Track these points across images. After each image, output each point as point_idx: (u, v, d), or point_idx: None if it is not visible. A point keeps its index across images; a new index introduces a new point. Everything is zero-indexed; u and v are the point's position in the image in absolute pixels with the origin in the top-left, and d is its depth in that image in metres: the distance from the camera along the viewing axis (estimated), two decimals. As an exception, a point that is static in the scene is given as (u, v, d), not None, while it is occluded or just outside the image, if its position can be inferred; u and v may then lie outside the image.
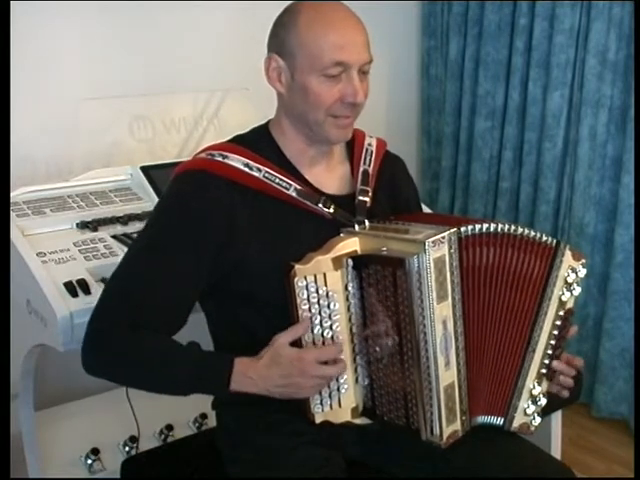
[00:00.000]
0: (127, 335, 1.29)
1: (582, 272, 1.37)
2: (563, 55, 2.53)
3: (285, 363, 1.27)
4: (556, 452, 2.04)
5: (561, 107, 2.58)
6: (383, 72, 3.01)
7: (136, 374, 1.33)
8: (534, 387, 1.38)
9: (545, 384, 1.39)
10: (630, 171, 2.40)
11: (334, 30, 1.31)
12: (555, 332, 1.37)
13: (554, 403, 1.43)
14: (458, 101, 2.96)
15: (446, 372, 1.28)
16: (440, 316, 1.26)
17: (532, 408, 1.39)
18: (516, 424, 1.39)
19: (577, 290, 1.37)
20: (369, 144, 1.51)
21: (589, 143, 2.52)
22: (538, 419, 1.40)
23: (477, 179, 2.92)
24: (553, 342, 1.37)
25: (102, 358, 1.32)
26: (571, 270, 1.36)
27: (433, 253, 1.24)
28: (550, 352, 1.38)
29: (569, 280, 1.36)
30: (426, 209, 2.00)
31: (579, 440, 2.48)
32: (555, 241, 1.35)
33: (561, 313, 1.37)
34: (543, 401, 1.39)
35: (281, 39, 1.35)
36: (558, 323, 1.37)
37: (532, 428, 1.40)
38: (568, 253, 1.35)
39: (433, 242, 1.24)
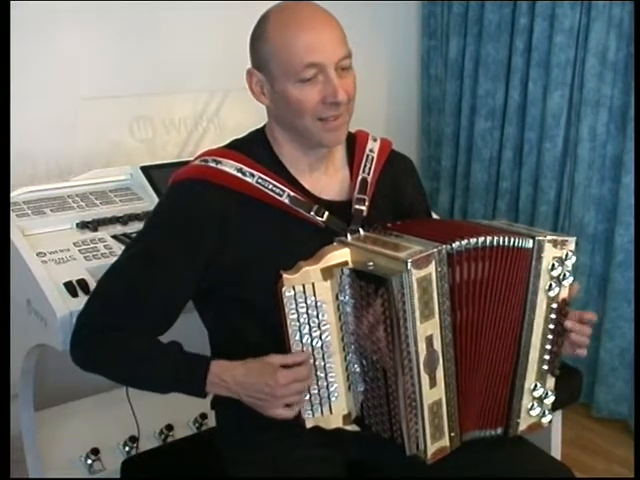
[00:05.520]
0: (111, 335, 1.31)
1: (572, 259, 1.32)
2: (563, 55, 2.53)
3: (260, 379, 1.26)
4: (556, 452, 2.05)
5: (561, 107, 2.58)
6: (383, 72, 3.01)
7: (118, 372, 1.36)
8: (536, 387, 1.36)
9: (550, 380, 1.37)
10: (630, 171, 2.40)
11: (300, 33, 1.28)
12: (551, 326, 1.34)
13: (554, 403, 1.42)
14: (458, 101, 2.96)
15: (431, 390, 1.27)
16: (424, 335, 1.24)
17: (538, 409, 1.37)
18: (523, 427, 1.38)
19: (569, 280, 1.33)
20: (371, 150, 1.48)
21: (589, 143, 2.52)
22: (549, 415, 1.38)
23: (477, 179, 2.92)
24: (551, 337, 1.35)
25: (87, 355, 1.35)
26: (557, 261, 1.31)
27: (416, 272, 1.20)
28: (549, 347, 1.35)
29: (555, 273, 1.32)
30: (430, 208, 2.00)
31: (579, 440, 2.48)
32: (531, 241, 1.30)
33: (554, 306, 1.34)
34: (551, 398, 1.37)
35: (256, 52, 1.34)
36: (553, 317, 1.34)
37: (544, 425, 1.39)
38: (548, 246, 1.30)
39: (416, 261, 1.20)
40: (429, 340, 1.25)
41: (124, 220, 1.84)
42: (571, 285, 1.35)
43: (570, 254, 1.32)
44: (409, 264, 1.20)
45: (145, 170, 2.00)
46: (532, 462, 1.40)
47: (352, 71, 1.35)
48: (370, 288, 1.24)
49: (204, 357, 1.32)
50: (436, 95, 3.08)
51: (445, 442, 1.31)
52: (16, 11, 1.77)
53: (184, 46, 2.41)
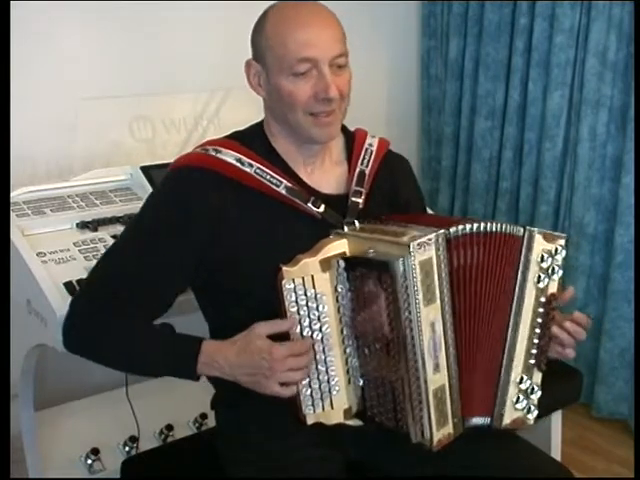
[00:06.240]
0: (104, 318, 1.32)
1: (561, 254, 1.33)
2: (563, 55, 2.53)
3: (255, 354, 1.26)
4: (556, 452, 2.05)
5: (561, 107, 2.58)
6: (383, 72, 3.01)
7: (110, 356, 1.36)
8: (522, 380, 1.36)
9: (537, 375, 1.37)
10: (630, 171, 2.40)
11: (297, 28, 1.30)
12: (539, 320, 1.34)
13: (554, 403, 1.41)
14: (458, 101, 2.96)
15: (435, 375, 1.27)
16: (427, 319, 1.24)
17: (524, 402, 1.36)
18: (507, 420, 1.37)
19: (558, 274, 1.33)
20: (369, 144, 1.50)
21: (589, 143, 2.52)
22: (535, 411, 1.37)
23: (477, 179, 2.92)
24: (538, 330, 1.34)
25: (79, 339, 1.36)
26: (546, 253, 1.32)
27: (419, 256, 1.22)
28: (537, 341, 1.35)
29: (544, 265, 1.33)
30: (426, 209, 2.01)
31: (579, 440, 2.48)
32: (522, 230, 1.32)
33: (543, 299, 1.34)
34: (537, 393, 1.37)
35: (255, 44, 1.37)
36: (541, 310, 1.34)
37: (529, 422, 1.38)
38: (538, 237, 1.32)
39: (418, 244, 1.22)
40: (432, 324, 1.26)
41: (124, 220, 1.84)
42: (567, 289, 1.36)
43: (560, 249, 1.34)
44: (412, 247, 1.21)
45: (145, 170, 2.00)
46: (530, 462, 1.40)
47: (348, 70, 1.36)
48: (372, 275, 1.25)
49: (196, 337, 1.32)
50: (436, 95, 3.08)
51: (449, 429, 1.31)
52: (16, 11, 1.77)
53: (184, 46, 2.41)
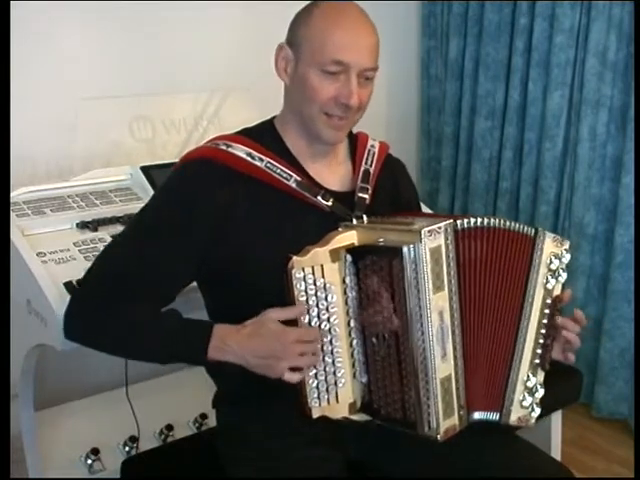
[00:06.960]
0: (109, 304, 1.31)
1: (566, 257, 1.37)
2: (563, 55, 2.54)
3: (268, 336, 1.27)
4: (556, 452, 2.05)
5: (561, 107, 2.58)
6: (383, 72, 2.99)
7: (114, 340, 1.34)
8: (529, 378, 1.37)
9: (541, 374, 1.38)
10: (630, 171, 2.40)
11: (340, 29, 1.32)
12: (545, 321, 1.37)
13: (554, 403, 1.41)
14: (458, 101, 2.96)
15: (442, 364, 1.28)
16: (436, 306, 1.26)
17: (529, 400, 1.38)
18: (514, 417, 1.38)
19: (563, 276, 1.37)
20: (372, 145, 1.53)
21: (589, 143, 2.52)
22: (537, 410, 1.39)
23: (477, 179, 2.92)
24: (544, 331, 1.37)
25: (84, 324, 1.35)
26: (554, 256, 1.36)
27: (429, 243, 1.24)
28: (542, 341, 1.37)
29: (552, 267, 1.36)
30: (426, 209, 2.01)
31: (579, 440, 2.48)
32: (534, 230, 1.35)
33: (548, 301, 1.37)
34: (540, 392, 1.38)
35: (294, 30, 1.38)
36: (547, 311, 1.37)
37: (532, 420, 1.39)
38: (548, 240, 1.35)
39: (429, 232, 1.24)
40: (440, 313, 1.27)
41: (124, 220, 1.84)
42: (565, 290, 1.38)
43: (564, 252, 1.37)
44: (423, 233, 1.23)
45: (145, 170, 2.00)
46: (531, 462, 1.40)
47: (372, 85, 1.39)
48: (382, 262, 1.26)
49: (207, 322, 1.33)
50: (436, 95, 3.08)
51: (454, 420, 1.31)
52: (16, 11, 1.77)
53: (184, 46, 2.41)
